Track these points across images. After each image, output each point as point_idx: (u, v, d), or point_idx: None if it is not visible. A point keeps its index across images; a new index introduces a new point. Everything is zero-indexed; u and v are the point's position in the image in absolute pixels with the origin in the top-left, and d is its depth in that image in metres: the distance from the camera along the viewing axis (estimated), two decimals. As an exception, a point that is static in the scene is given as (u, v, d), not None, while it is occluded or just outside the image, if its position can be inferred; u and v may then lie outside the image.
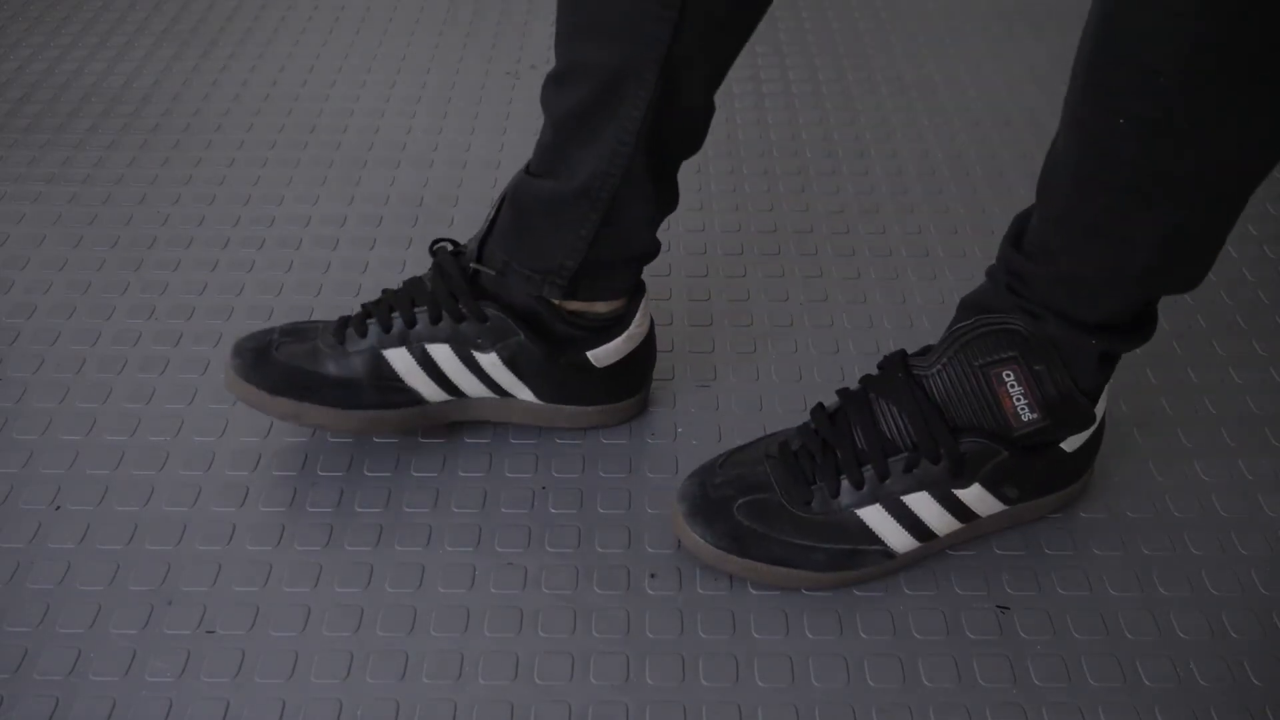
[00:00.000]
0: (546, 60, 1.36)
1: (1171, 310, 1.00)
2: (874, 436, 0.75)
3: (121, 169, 1.17)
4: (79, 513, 0.82)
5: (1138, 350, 0.95)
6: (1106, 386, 0.78)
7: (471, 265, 0.81)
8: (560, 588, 0.78)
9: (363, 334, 0.81)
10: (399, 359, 0.81)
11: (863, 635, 0.75)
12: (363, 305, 0.84)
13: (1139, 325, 0.75)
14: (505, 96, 1.29)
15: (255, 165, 1.18)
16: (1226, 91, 0.60)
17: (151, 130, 1.23)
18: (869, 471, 0.75)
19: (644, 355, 0.87)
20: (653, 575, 0.79)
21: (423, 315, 0.80)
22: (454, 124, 1.25)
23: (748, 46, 1.38)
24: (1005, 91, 1.31)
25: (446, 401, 0.84)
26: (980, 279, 1.01)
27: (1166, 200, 0.66)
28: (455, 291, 0.80)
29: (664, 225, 1.09)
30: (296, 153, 1.20)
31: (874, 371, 0.79)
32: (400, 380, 0.81)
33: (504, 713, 0.71)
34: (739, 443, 0.86)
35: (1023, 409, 0.73)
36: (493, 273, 0.80)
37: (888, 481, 0.75)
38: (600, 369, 0.84)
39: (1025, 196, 1.14)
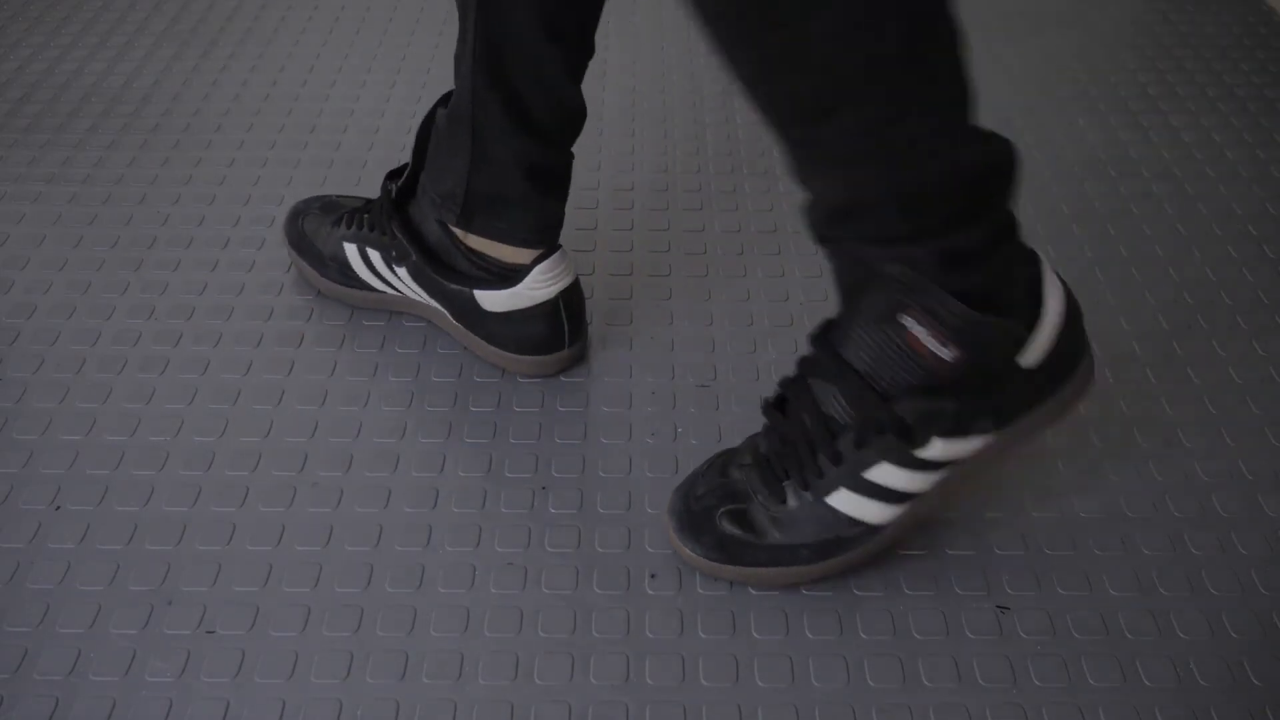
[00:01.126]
0: (546, 60, 1.36)
1: (1171, 310, 1.00)
2: (819, 420, 0.73)
3: (121, 169, 1.17)
4: (79, 513, 0.82)
5: (1138, 350, 0.95)
6: (1048, 278, 0.73)
7: (390, 186, 0.93)
8: (560, 588, 0.78)
9: (336, 225, 0.98)
10: (351, 251, 0.96)
11: (863, 635, 0.75)
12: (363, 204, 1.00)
13: (968, 217, 0.68)
14: (505, 96, 1.29)
15: (255, 165, 1.18)
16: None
17: (151, 130, 1.23)
18: (824, 458, 0.74)
19: (540, 319, 0.89)
20: (653, 575, 0.79)
21: (366, 221, 0.95)
22: (454, 124, 1.24)
23: (748, 46, 1.38)
24: (1005, 91, 1.31)
25: (395, 295, 0.97)
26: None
27: (805, 121, 0.64)
28: (381, 208, 0.93)
29: (663, 225, 1.10)
30: (296, 153, 1.20)
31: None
32: (350, 267, 0.96)
33: (504, 713, 0.71)
34: (739, 443, 0.86)
35: (937, 348, 0.68)
36: (391, 189, 0.92)
37: (845, 464, 0.73)
38: (492, 312, 0.89)
39: (1026, 195, 1.14)
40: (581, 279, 1.00)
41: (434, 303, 0.93)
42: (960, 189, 0.67)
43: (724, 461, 0.80)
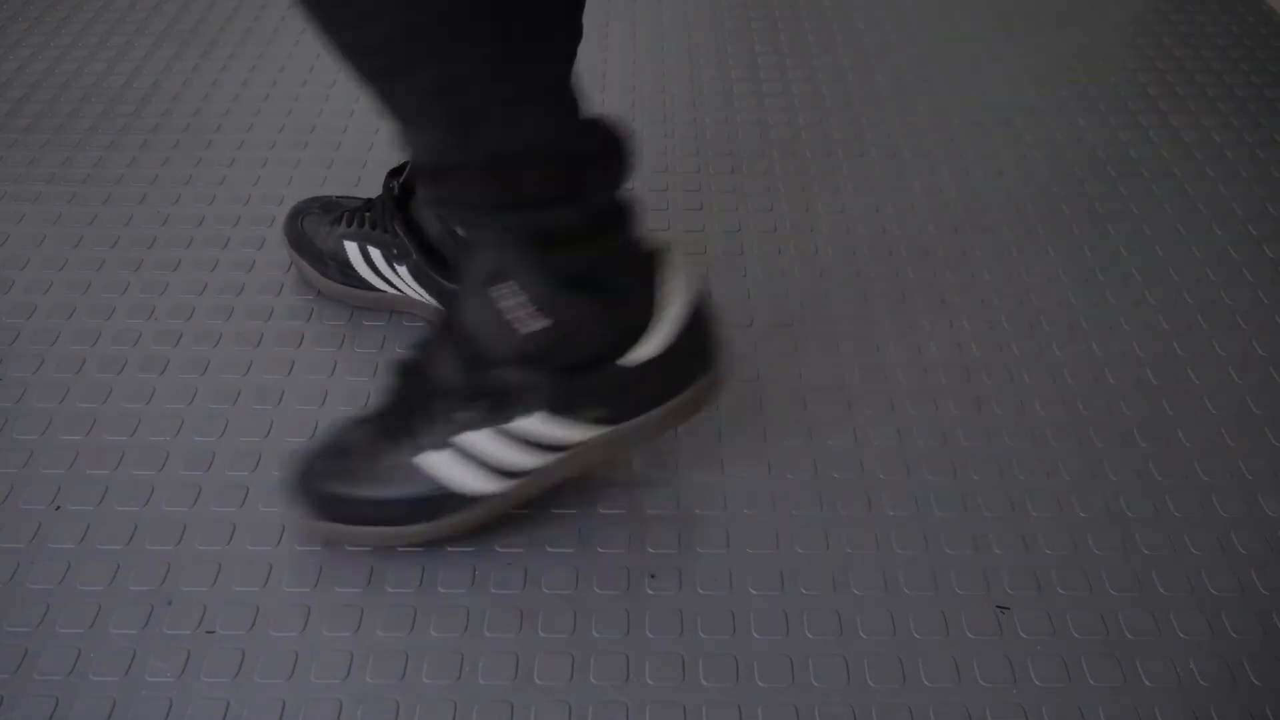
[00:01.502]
0: (546, 60, 1.36)
1: (1171, 310, 1.00)
2: (429, 382, 0.75)
3: (121, 169, 1.17)
4: (79, 513, 0.82)
5: (1138, 350, 0.95)
6: (674, 283, 0.74)
7: (392, 184, 0.92)
8: (560, 588, 0.78)
9: (336, 223, 0.98)
10: (352, 249, 0.96)
11: (862, 635, 0.75)
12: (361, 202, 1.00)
13: (560, 198, 0.68)
14: (505, 96, 1.29)
15: (255, 165, 1.18)
16: None
17: (151, 130, 1.23)
18: (425, 420, 0.75)
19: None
20: (653, 575, 0.79)
21: (368, 219, 0.95)
22: (454, 124, 1.24)
23: (748, 46, 1.38)
24: (1006, 91, 1.31)
25: (395, 294, 0.96)
26: (981, 277, 1.02)
27: (377, 79, 0.64)
28: (383, 206, 0.94)
29: (663, 225, 1.10)
30: (296, 153, 1.20)
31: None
32: (351, 266, 0.96)
33: (504, 713, 0.71)
34: (739, 443, 0.86)
35: (524, 320, 0.69)
36: (393, 186, 0.92)
37: (443, 426, 0.74)
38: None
39: (1026, 195, 1.14)
40: (581, 279, 1.00)
41: (434, 302, 0.94)
42: (544, 166, 0.66)
43: (346, 424, 0.81)
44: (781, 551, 0.80)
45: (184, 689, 0.72)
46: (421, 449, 0.75)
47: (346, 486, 0.77)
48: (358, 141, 1.22)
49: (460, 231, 0.72)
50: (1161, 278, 1.04)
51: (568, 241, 0.68)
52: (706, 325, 0.77)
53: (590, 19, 1.45)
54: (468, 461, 0.75)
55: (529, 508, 0.83)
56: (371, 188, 1.14)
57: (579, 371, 0.73)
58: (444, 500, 0.76)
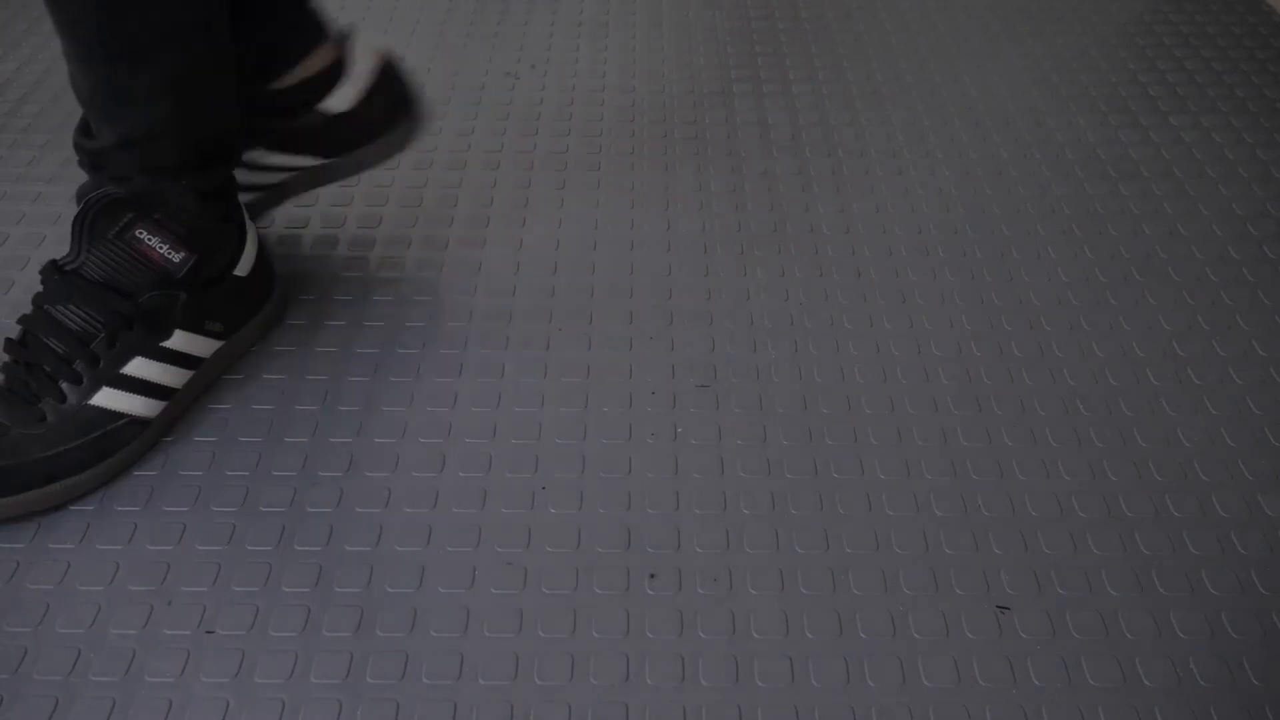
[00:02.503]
0: (547, 60, 1.36)
1: (1171, 310, 1.00)
2: (68, 337, 0.82)
3: (121, 169, 1.17)
4: (79, 513, 0.82)
5: (1138, 350, 0.95)
6: (249, 226, 0.91)
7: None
8: (560, 588, 0.78)
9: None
10: (240, 174, 0.97)
11: (862, 635, 0.75)
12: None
13: (210, 163, 0.86)
14: (505, 97, 1.29)
15: (255, 165, 1.18)
16: None
17: (151, 130, 1.23)
18: (81, 365, 0.81)
19: (388, 85, 0.97)
20: (652, 575, 0.79)
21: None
22: (453, 124, 1.24)
23: (748, 46, 1.38)
24: (1006, 91, 1.31)
25: (290, 177, 1.00)
26: (982, 277, 1.02)
27: (108, 63, 0.78)
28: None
29: (664, 225, 1.10)
30: (296, 153, 1.20)
31: None
32: (252, 181, 0.99)
33: (504, 713, 0.71)
34: (739, 444, 0.86)
35: (169, 253, 0.83)
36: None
37: (102, 364, 0.82)
38: (349, 111, 0.96)
39: (1027, 194, 1.14)
40: (582, 280, 1.00)
41: (317, 160, 0.99)
42: (226, 139, 0.87)
43: None
44: (781, 551, 0.80)
45: (184, 689, 0.72)
46: (92, 391, 0.82)
47: (16, 458, 0.79)
48: (358, 141, 1.21)
49: (90, 193, 0.83)
50: (1161, 278, 1.04)
51: (212, 195, 0.87)
52: (266, 263, 0.95)
53: (590, 19, 1.45)
54: (134, 388, 0.84)
55: (522, 508, 0.83)
56: (370, 190, 1.14)
57: (207, 287, 0.87)
58: (117, 431, 0.83)
